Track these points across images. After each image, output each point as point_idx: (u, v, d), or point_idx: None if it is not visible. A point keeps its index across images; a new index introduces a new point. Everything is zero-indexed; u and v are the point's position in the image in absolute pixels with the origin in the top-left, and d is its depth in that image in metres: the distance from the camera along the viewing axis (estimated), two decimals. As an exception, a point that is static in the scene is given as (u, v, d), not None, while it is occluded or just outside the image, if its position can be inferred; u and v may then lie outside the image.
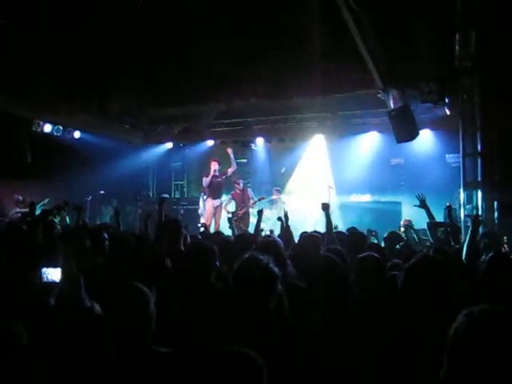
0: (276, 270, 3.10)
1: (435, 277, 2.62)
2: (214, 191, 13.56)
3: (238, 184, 13.46)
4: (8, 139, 12.71)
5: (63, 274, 3.19)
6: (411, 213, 11.67)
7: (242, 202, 13.25)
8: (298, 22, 8.70)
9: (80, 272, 3.22)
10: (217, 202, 13.58)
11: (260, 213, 7.67)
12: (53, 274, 3.22)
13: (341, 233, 6.75)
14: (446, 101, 9.79)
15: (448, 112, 10.63)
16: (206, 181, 13.47)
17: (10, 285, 3.72)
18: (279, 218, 7.96)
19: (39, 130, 12.91)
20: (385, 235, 6.83)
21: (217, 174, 13.56)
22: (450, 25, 8.32)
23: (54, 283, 3.22)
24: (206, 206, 13.58)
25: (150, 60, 10.11)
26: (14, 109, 12.15)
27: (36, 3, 9.06)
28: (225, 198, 13.98)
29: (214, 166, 13.61)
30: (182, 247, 5.30)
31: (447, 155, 12.31)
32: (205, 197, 13.83)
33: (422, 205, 6.96)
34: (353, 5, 7.72)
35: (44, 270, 3.23)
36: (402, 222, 11.19)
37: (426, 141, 13.30)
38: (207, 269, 4.11)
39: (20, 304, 3.32)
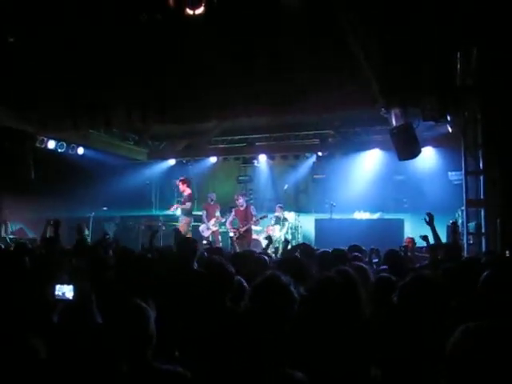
0: (295, 292, 3.07)
1: (427, 294, 2.67)
2: None
3: (238, 200, 13.42)
4: (12, 155, 12.78)
5: (76, 291, 3.19)
6: (414, 230, 11.68)
7: (245, 219, 13.22)
8: (300, 40, 8.76)
9: (92, 289, 3.22)
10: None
11: (269, 240, 7.90)
12: (65, 291, 3.23)
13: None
14: (448, 118, 9.81)
15: (450, 129, 10.65)
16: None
17: (22, 302, 3.74)
18: (286, 240, 8.06)
19: (43, 146, 12.98)
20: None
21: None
22: (452, 42, 8.37)
23: (66, 300, 3.24)
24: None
25: (154, 77, 10.16)
26: (19, 124, 12.24)
27: (43, 22, 9.15)
28: (228, 215, 14.00)
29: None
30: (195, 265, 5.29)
31: (449, 173, 12.31)
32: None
33: (430, 223, 6.95)
34: (355, 23, 7.80)
35: (57, 287, 3.24)
36: (404, 239, 11.17)
37: (428, 158, 13.33)
38: (222, 291, 4.10)
39: (31, 320, 3.33)
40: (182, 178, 14.16)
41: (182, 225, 13.34)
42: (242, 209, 13.27)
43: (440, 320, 2.42)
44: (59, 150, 13.53)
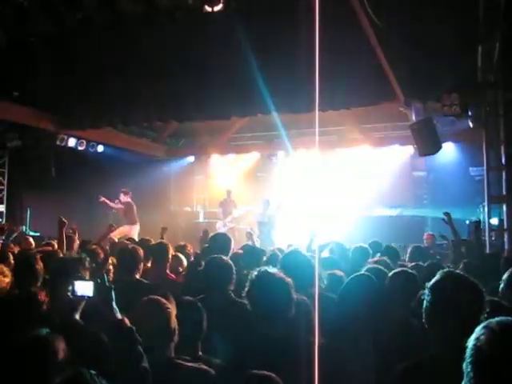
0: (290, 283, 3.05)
1: (462, 294, 2.53)
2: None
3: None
4: (33, 153, 12.92)
5: (95, 287, 3.15)
6: (434, 226, 11.59)
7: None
8: (321, 35, 8.70)
9: (112, 285, 3.21)
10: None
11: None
12: (84, 288, 3.18)
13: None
14: (469, 113, 9.69)
15: (471, 125, 10.52)
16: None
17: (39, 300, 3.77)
18: None
19: (63, 144, 13.08)
20: (408, 250, 6.76)
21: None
22: (473, 36, 8.26)
23: (85, 297, 3.20)
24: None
25: (173, 74, 10.19)
26: (40, 123, 12.36)
27: (60, 21, 9.22)
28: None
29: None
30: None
31: (471, 168, 12.18)
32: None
33: (449, 222, 6.90)
34: (375, 18, 7.72)
35: (75, 283, 3.19)
36: (424, 236, 11.08)
37: (449, 154, 13.20)
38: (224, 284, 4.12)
39: (49, 318, 3.36)
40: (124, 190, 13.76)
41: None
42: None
43: (477, 320, 2.27)
44: (79, 148, 13.63)
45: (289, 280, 3.01)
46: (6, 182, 13.46)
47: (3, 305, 3.88)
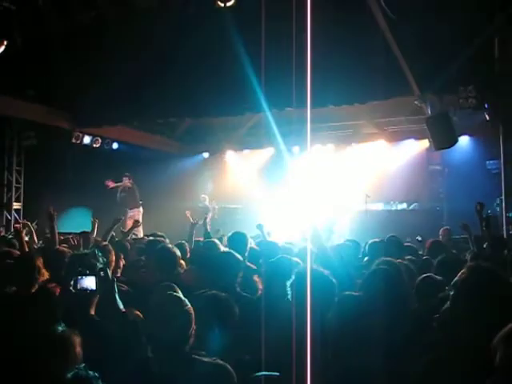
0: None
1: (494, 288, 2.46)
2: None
3: None
4: (49, 151, 13.02)
5: (97, 281, 3.27)
6: (450, 220, 11.47)
7: None
8: (331, 27, 8.64)
9: (114, 279, 3.31)
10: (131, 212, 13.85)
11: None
12: (87, 282, 3.31)
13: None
14: (486, 106, 9.58)
15: (488, 117, 10.41)
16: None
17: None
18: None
19: (78, 141, 13.16)
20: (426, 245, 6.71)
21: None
22: (490, 27, 8.16)
23: (88, 291, 3.31)
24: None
25: (187, 70, 10.19)
26: (55, 121, 12.46)
27: (74, 19, 9.27)
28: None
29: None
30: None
31: (487, 161, 12.05)
32: None
33: (479, 212, 6.81)
34: (388, 11, 7.67)
35: (79, 278, 3.32)
36: (441, 231, 10.97)
37: (465, 147, 13.08)
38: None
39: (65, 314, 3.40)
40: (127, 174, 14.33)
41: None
42: None
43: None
44: (94, 146, 13.70)
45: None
46: (22, 181, 13.57)
47: (21, 301, 3.94)
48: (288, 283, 3.07)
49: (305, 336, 2.62)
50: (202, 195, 14.98)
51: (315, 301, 2.76)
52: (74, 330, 2.74)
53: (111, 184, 13.99)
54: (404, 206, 14.44)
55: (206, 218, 8.15)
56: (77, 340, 2.47)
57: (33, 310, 3.72)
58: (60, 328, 2.66)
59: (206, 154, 17.31)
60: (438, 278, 3.95)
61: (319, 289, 2.86)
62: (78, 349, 2.47)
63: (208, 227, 8.02)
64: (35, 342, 2.44)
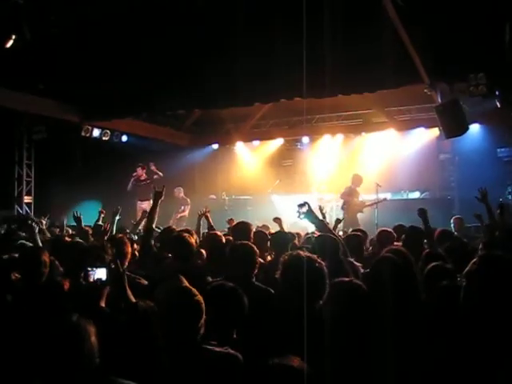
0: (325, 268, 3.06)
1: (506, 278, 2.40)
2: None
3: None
4: (59, 145, 13.07)
5: (109, 272, 3.36)
6: (461, 209, 11.41)
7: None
8: (338, 17, 8.58)
9: (124, 271, 3.35)
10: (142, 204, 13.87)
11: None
12: (99, 274, 3.41)
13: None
14: (497, 93, 9.49)
15: (499, 105, 10.31)
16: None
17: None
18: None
19: (88, 135, 13.20)
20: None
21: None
22: (500, 13, 8.06)
23: (98, 282, 3.40)
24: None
25: (195, 62, 10.17)
26: (65, 115, 12.50)
27: (82, 14, 9.26)
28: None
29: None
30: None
31: (498, 149, 11.96)
32: None
33: (483, 200, 6.75)
34: (398, 0, 7.60)
35: (91, 269, 3.41)
36: (452, 220, 10.92)
37: (475, 135, 12.96)
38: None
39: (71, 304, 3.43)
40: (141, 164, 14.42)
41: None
42: None
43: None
44: (104, 139, 13.73)
45: None
46: (33, 174, 13.65)
47: (35, 293, 3.97)
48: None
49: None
50: (176, 188, 14.81)
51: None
52: (88, 320, 2.75)
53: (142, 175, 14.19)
54: (415, 195, 14.38)
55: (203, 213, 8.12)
56: (92, 329, 2.48)
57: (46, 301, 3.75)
58: (75, 318, 2.68)
59: (215, 146, 17.29)
60: (448, 265, 3.92)
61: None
62: (94, 338, 2.48)
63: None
64: (51, 331, 2.45)
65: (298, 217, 4.87)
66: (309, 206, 4.74)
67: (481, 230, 7.10)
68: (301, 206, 4.75)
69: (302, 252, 3.45)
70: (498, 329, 2.31)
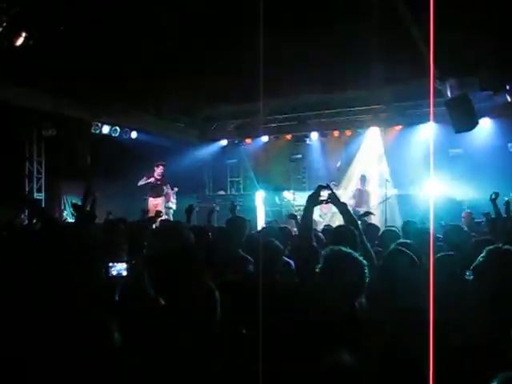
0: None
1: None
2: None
3: None
4: (68, 142, 13.13)
5: (128, 268, 3.40)
6: (471, 204, 11.36)
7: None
8: (351, 15, 8.56)
9: (144, 266, 3.35)
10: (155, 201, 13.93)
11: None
12: (119, 269, 3.46)
13: None
14: (507, 87, 9.43)
15: (509, 99, 10.24)
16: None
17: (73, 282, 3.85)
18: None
19: (98, 131, 13.25)
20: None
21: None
22: (510, 8, 8.00)
23: (120, 277, 3.45)
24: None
25: (204, 58, 10.18)
26: (74, 112, 12.54)
27: (91, 11, 9.27)
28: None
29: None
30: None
31: (509, 144, 11.88)
32: None
33: (493, 200, 6.81)
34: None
35: (110, 264, 3.46)
36: (463, 214, 10.88)
37: (486, 130, 12.88)
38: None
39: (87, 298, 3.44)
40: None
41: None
42: None
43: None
44: (113, 135, 13.78)
45: None
46: (43, 171, 13.73)
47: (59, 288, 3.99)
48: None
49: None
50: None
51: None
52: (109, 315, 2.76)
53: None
54: (424, 189, 14.28)
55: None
56: (113, 326, 2.50)
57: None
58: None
59: (223, 142, 17.30)
60: (456, 256, 3.90)
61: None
62: (116, 334, 2.50)
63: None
64: (74, 326, 2.46)
65: (325, 201, 4.38)
66: (331, 188, 4.37)
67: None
68: (323, 187, 4.30)
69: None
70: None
